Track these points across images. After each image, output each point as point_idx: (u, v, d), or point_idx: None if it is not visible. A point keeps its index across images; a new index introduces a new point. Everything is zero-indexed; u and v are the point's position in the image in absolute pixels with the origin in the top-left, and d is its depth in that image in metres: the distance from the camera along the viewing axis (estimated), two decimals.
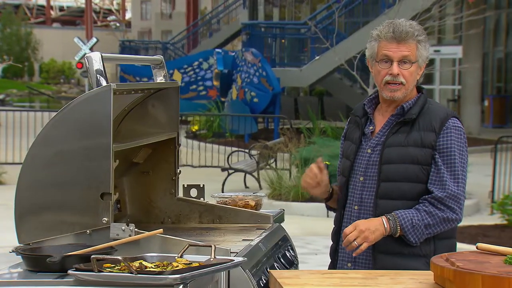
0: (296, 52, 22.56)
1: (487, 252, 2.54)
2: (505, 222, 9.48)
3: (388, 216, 3.11)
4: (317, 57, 19.99)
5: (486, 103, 24.90)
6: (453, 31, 25.12)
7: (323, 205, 12.18)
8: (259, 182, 12.61)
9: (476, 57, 20.88)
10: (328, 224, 11.72)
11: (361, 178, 3.27)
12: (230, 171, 12.66)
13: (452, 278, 2.33)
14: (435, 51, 26.10)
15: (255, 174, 12.73)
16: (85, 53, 30.38)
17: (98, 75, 3.06)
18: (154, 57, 3.68)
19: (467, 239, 8.73)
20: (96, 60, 3.07)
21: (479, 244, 2.57)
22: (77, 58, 30.91)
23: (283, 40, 22.56)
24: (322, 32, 14.31)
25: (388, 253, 3.15)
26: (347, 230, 3.09)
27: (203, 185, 3.80)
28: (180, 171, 3.73)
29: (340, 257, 3.30)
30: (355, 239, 3.05)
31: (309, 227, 9.88)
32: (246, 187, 12.90)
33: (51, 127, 3.02)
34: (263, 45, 21.87)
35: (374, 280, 2.57)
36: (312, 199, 10.98)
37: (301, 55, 22.36)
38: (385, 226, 3.08)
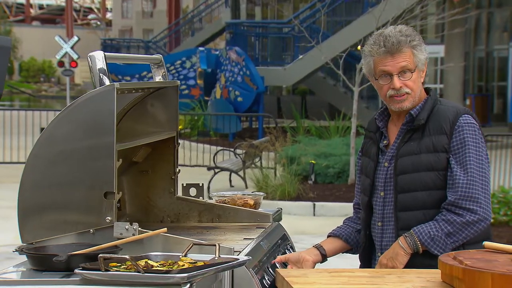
0: (279, 51, 22.58)
1: (493, 251, 2.56)
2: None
3: (406, 234, 3.05)
4: (300, 56, 20.02)
5: (467, 102, 25.05)
6: (434, 30, 25.27)
7: (310, 203, 12.18)
8: (245, 181, 12.62)
9: (458, 56, 20.96)
10: (315, 222, 11.82)
11: (382, 193, 3.22)
12: (216, 170, 12.65)
13: (461, 277, 2.35)
14: None
15: (241, 173, 12.73)
16: (66, 52, 30.39)
17: (101, 74, 3.05)
18: (153, 56, 3.67)
19: None
20: (99, 59, 3.06)
21: (486, 243, 2.59)
22: (58, 57, 30.77)
23: (265, 39, 22.57)
24: (305, 31, 14.32)
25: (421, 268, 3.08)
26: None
27: (203, 184, 3.81)
28: (179, 170, 3.73)
29: None
30: None
31: (296, 226, 9.89)
32: (232, 186, 12.90)
33: (54, 126, 3.01)
34: (247, 44, 21.87)
35: (382, 279, 2.59)
36: (298, 198, 11.01)
37: (284, 54, 22.39)
38: (403, 246, 3.03)
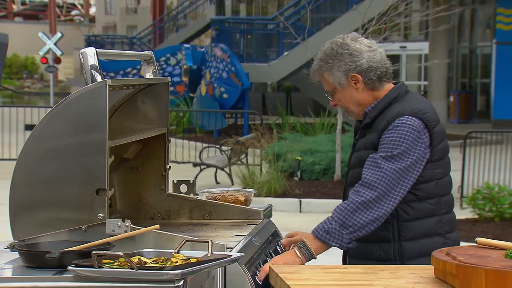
0: (264, 47, 22.58)
1: (486, 247, 2.58)
2: (476, 216, 9.60)
3: (300, 245, 3.09)
4: (286, 53, 20.03)
5: (451, 98, 25.17)
6: (418, 27, 25.36)
7: (296, 200, 12.18)
8: (231, 178, 12.61)
9: (442, 53, 21.08)
10: (300, 219, 11.85)
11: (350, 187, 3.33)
12: (202, 166, 12.63)
13: (455, 273, 2.36)
14: (401, 47, 26.33)
15: (226, 169, 12.72)
16: (50, 48, 30.25)
17: (93, 71, 3.04)
18: (144, 52, 3.68)
19: None
20: (91, 56, 3.06)
21: (478, 239, 2.60)
22: (41, 53, 30.67)
23: (249, 36, 22.56)
24: (291, 27, 14.33)
25: (357, 258, 3.21)
26: (265, 267, 3.03)
27: (193, 180, 3.81)
28: (170, 167, 3.73)
29: None
30: None
31: (282, 223, 9.86)
32: (217, 182, 12.89)
33: (46, 123, 3.00)
34: (232, 41, 21.85)
35: (375, 275, 2.60)
36: (285, 195, 11.02)
37: (269, 50, 22.39)
38: (300, 256, 3.06)
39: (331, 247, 3.08)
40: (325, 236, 3.04)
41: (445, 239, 3.18)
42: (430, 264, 2.87)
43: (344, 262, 3.40)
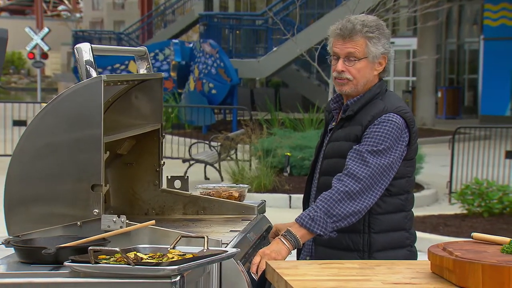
0: (253, 43, 22.57)
1: (482, 242, 2.59)
2: (465, 211, 9.63)
3: (285, 233, 3.08)
4: (275, 48, 20.02)
5: (439, 94, 25.23)
6: (406, 23, 25.41)
7: (286, 196, 12.18)
8: (220, 174, 12.60)
9: (431, 49, 21.11)
10: (291, 215, 11.81)
11: (317, 175, 3.35)
12: (192, 162, 12.62)
13: (451, 268, 2.37)
14: (390, 42, 26.35)
15: (216, 165, 12.71)
16: (37, 43, 30.07)
17: (88, 66, 3.04)
18: (138, 48, 3.67)
19: (428, 228, 8.87)
20: (86, 51, 3.05)
21: (475, 234, 2.62)
22: (28, 48, 30.53)
23: (237, 31, 22.54)
24: (280, 23, 14.32)
25: (326, 245, 3.23)
26: (255, 260, 3.04)
27: (187, 176, 3.81)
28: (164, 162, 3.73)
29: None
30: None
31: (272, 218, 9.87)
32: (207, 178, 12.87)
33: (41, 119, 2.99)
34: (221, 36, 21.82)
35: (372, 270, 2.60)
36: (274, 190, 11.02)
37: (258, 46, 22.38)
38: (286, 244, 3.06)
39: (315, 235, 3.09)
40: (310, 224, 3.06)
41: (409, 234, 3.28)
42: (396, 257, 2.93)
43: (298, 255, 3.42)
